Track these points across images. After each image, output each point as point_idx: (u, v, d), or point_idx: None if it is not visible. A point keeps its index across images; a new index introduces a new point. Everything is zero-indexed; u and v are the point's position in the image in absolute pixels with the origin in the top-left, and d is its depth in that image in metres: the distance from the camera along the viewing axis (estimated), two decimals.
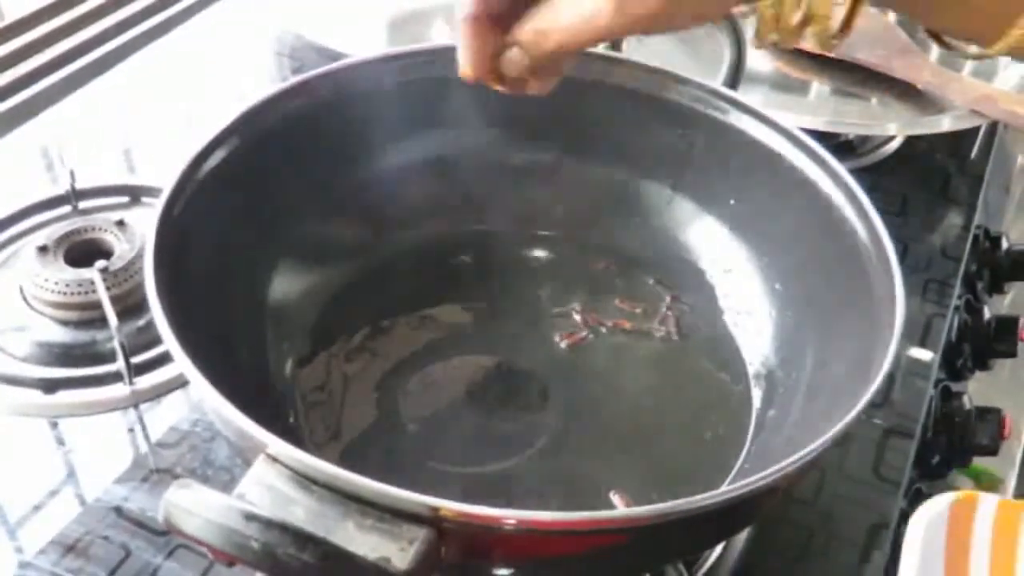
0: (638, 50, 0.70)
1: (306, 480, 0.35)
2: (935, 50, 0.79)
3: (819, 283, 0.50)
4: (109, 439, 0.53)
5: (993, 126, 0.76)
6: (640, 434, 0.50)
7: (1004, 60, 0.77)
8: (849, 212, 0.48)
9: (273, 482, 0.35)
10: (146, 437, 0.53)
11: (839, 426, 0.38)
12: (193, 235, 0.44)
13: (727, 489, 0.37)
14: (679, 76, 0.54)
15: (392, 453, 0.47)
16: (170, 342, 0.38)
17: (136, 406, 0.54)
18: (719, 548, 0.49)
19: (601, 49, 0.58)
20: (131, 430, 0.54)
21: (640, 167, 0.57)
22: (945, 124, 0.69)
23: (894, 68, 0.73)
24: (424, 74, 0.56)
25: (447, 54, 0.58)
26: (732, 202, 0.55)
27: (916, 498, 0.56)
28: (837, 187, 0.49)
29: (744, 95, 0.54)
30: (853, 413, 0.39)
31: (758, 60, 0.77)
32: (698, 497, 0.35)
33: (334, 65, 0.53)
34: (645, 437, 0.50)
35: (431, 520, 0.34)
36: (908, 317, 0.42)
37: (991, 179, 0.76)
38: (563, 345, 0.53)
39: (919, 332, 0.62)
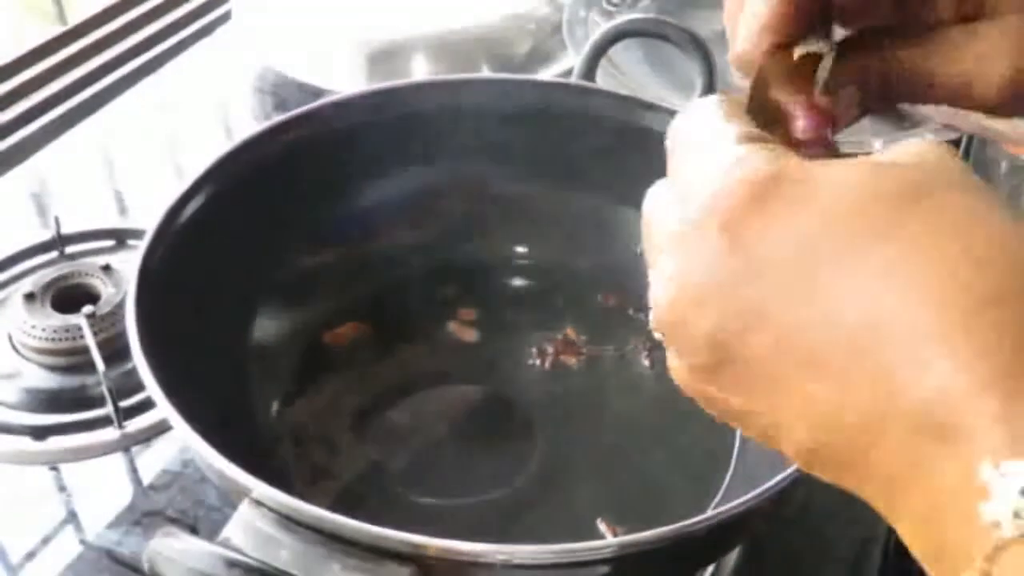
0: (615, 76, 0.71)
1: (290, 522, 0.35)
2: None
3: None
4: (101, 483, 0.53)
5: (971, 136, 0.77)
6: (626, 459, 0.50)
7: None
8: None
9: (258, 525, 0.35)
10: (137, 480, 0.54)
11: None
12: (174, 283, 0.45)
13: (712, 514, 0.37)
14: (646, 102, 0.55)
15: (379, 489, 0.48)
16: (153, 390, 0.38)
17: (127, 449, 0.55)
18: (709, 570, 0.49)
19: (574, 79, 0.59)
20: (123, 473, 0.54)
21: (618, 194, 0.57)
22: (927, 138, 0.69)
23: None
24: (404, 109, 0.56)
25: (427, 88, 0.59)
26: None
27: None
28: None
29: None
30: None
31: (740, 83, 0.78)
32: (683, 523, 0.36)
33: (312, 105, 0.54)
34: (631, 462, 0.50)
35: (414, 557, 0.34)
36: None
37: None
38: (548, 374, 0.54)
39: None
